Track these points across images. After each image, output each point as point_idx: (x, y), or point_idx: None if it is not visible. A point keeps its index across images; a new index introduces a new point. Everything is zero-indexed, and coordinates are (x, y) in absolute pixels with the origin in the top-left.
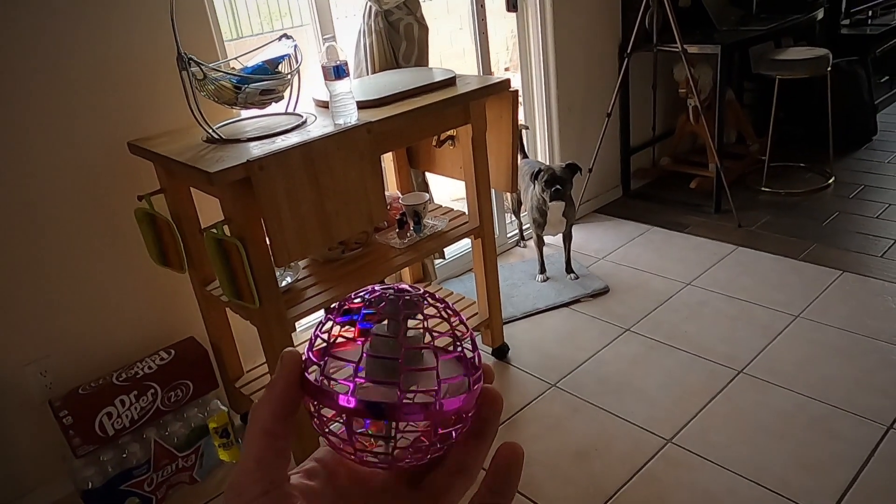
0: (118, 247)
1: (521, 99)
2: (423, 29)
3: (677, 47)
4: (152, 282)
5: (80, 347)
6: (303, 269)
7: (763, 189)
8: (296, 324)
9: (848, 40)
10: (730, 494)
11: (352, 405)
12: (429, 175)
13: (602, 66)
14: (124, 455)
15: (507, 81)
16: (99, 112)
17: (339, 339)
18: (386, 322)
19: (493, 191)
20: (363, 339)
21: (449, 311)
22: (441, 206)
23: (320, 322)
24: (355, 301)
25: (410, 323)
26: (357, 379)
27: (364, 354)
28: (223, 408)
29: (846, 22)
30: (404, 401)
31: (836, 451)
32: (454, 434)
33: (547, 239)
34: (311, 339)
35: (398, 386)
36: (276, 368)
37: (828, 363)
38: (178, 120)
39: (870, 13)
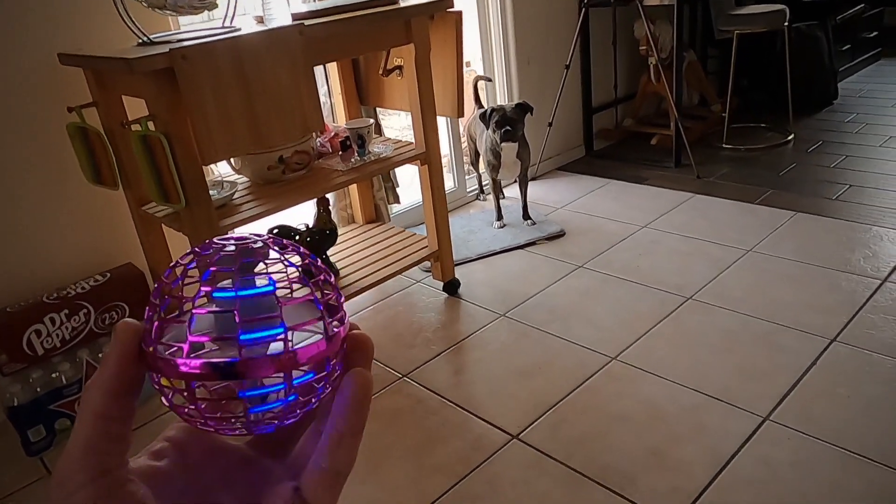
0: (50, 166)
1: (480, 50)
2: None
3: None
4: (87, 205)
5: (9, 272)
6: (241, 189)
7: (723, 146)
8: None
9: (808, 6)
10: (670, 402)
11: (192, 369)
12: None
13: (561, 20)
14: (54, 375)
15: (450, 0)
16: (26, 24)
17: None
18: (227, 276)
19: (447, 122)
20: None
21: (302, 255)
22: (389, 138)
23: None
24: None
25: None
26: (194, 338)
27: (194, 313)
28: None
29: None
30: (251, 356)
31: (778, 361)
32: (319, 388)
33: (506, 191)
34: (149, 303)
35: (237, 340)
36: (110, 343)
37: (776, 288)
38: (114, 35)
39: None
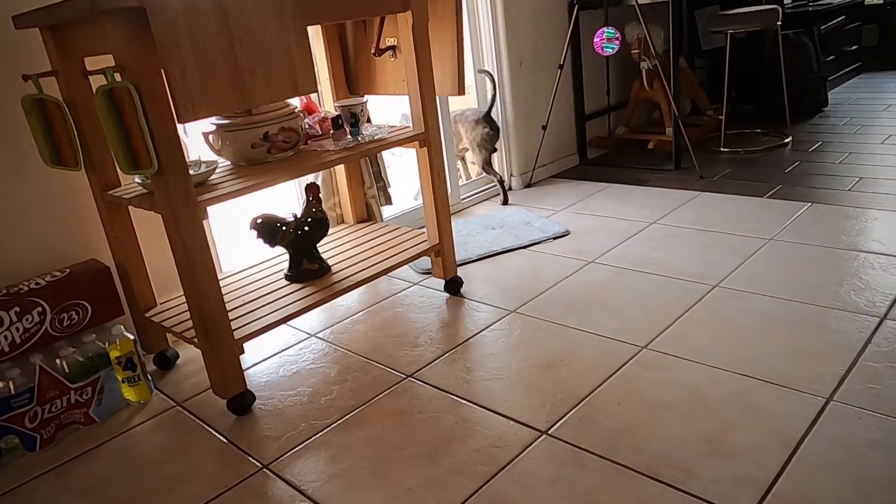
0: (1, 148)
1: (470, 51)
2: None
3: None
4: (45, 193)
5: None
6: (222, 170)
7: (722, 150)
8: (208, 210)
9: (792, 16)
10: (716, 386)
11: None
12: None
13: (552, 21)
14: (1, 383)
15: None
16: None
17: None
18: None
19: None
20: None
21: None
22: (382, 124)
23: None
24: None
25: None
26: None
27: None
28: (128, 335)
29: (788, 1)
30: None
31: (829, 341)
32: None
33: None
34: None
35: None
36: None
37: (809, 272)
38: None
39: None
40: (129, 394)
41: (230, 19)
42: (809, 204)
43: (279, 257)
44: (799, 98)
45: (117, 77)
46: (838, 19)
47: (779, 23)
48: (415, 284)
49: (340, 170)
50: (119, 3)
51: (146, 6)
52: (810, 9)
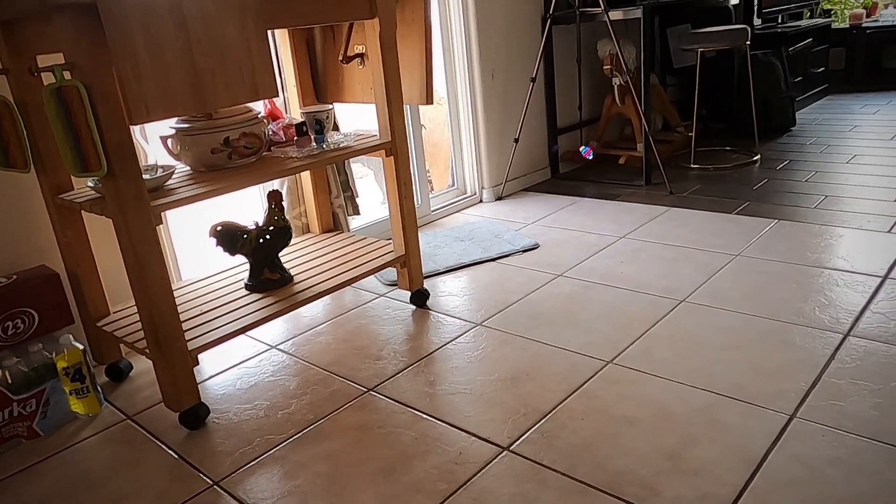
0: None
1: (442, 62)
2: None
3: (599, 9)
4: None
5: None
6: (180, 175)
7: (691, 166)
8: (162, 215)
9: (762, 37)
10: (680, 402)
11: None
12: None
13: (525, 34)
14: None
15: None
16: None
17: None
18: None
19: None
20: None
21: None
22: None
23: None
24: None
25: None
26: None
27: None
28: (77, 344)
29: (758, 22)
30: None
31: (792, 357)
32: None
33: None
34: None
35: None
36: None
37: (774, 288)
38: None
39: (780, 18)
40: (76, 406)
41: (188, 19)
42: (776, 221)
43: (240, 266)
44: (767, 117)
45: (67, 75)
46: (806, 41)
47: (748, 42)
48: (381, 296)
49: (306, 178)
50: None
51: (97, 2)
52: (779, 30)
